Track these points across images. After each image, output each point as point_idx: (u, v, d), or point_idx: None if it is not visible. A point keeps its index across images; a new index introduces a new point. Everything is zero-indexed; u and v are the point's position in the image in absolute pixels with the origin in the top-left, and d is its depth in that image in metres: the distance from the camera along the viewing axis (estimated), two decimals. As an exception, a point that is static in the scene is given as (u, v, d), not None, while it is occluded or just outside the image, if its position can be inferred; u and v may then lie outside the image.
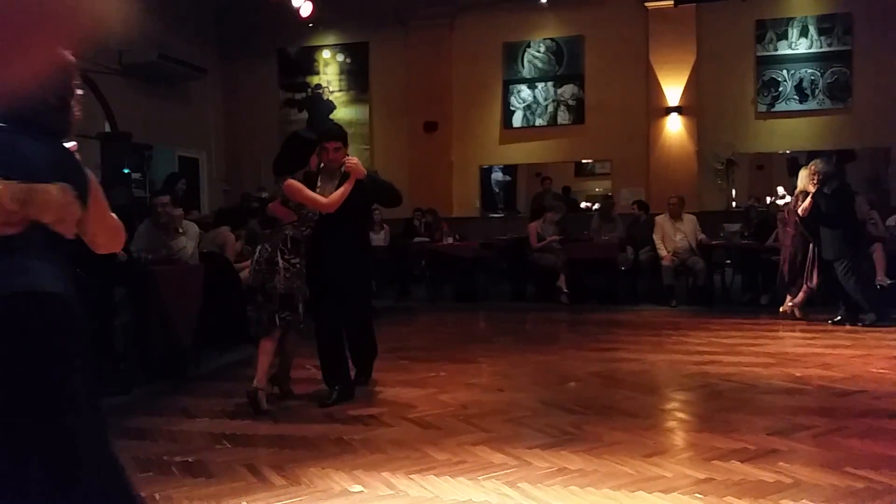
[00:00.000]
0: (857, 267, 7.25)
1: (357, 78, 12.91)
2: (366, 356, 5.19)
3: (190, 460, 3.61)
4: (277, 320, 4.54)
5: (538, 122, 12.10)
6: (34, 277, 1.79)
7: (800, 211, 7.38)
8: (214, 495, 3.14)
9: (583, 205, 13.85)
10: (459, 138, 12.34)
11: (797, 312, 7.71)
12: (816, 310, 7.67)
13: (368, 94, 12.86)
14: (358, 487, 3.21)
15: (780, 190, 10.59)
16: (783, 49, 11.09)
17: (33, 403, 1.72)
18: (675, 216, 9.32)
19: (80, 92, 2.00)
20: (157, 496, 3.13)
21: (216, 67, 12.92)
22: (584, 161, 13.91)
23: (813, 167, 7.35)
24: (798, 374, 5.15)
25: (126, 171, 9.44)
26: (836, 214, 7.20)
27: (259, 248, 4.75)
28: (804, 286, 7.66)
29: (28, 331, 1.74)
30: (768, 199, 10.57)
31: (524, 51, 12.10)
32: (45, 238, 1.80)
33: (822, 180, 7.22)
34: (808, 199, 7.27)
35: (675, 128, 11.36)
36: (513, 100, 12.17)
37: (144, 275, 5.50)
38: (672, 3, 10.94)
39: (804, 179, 7.40)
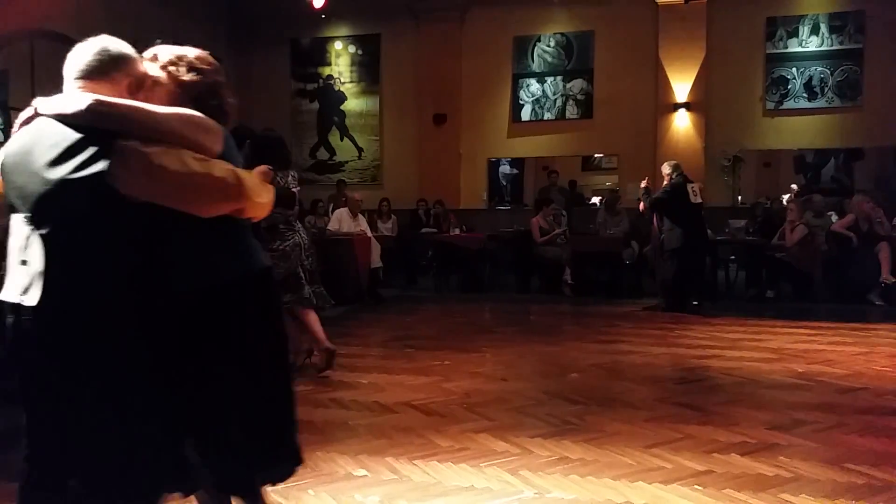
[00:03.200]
0: (681, 260, 7.89)
1: (368, 70, 12.95)
2: None
3: (198, 442, 3.65)
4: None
5: (546, 116, 12.12)
6: (263, 255, 2.18)
7: (640, 208, 8.47)
8: (222, 476, 3.18)
9: (594, 200, 13.87)
10: (468, 131, 12.37)
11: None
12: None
13: (379, 86, 12.91)
14: (362, 471, 3.25)
15: (795, 188, 10.63)
16: (793, 47, 11.07)
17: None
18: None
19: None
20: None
21: (229, 57, 12.91)
22: (591, 155, 13.92)
23: (665, 167, 8.17)
24: (800, 370, 5.18)
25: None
26: (665, 211, 8.03)
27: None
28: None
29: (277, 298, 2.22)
30: (785, 197, 10.53)
31: (534, 45, 12.12)
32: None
33: (671, 181, 8.01)
34: (641, 201, 8.35)
35: (682, 124, 11.36)
36: (522, 93, 12.19)
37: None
38: (682, -1, 10.94)
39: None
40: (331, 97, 13.14)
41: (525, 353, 5.93)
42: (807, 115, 11.10)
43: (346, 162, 13.09)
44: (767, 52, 11.18)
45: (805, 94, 11.05)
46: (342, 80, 13.09)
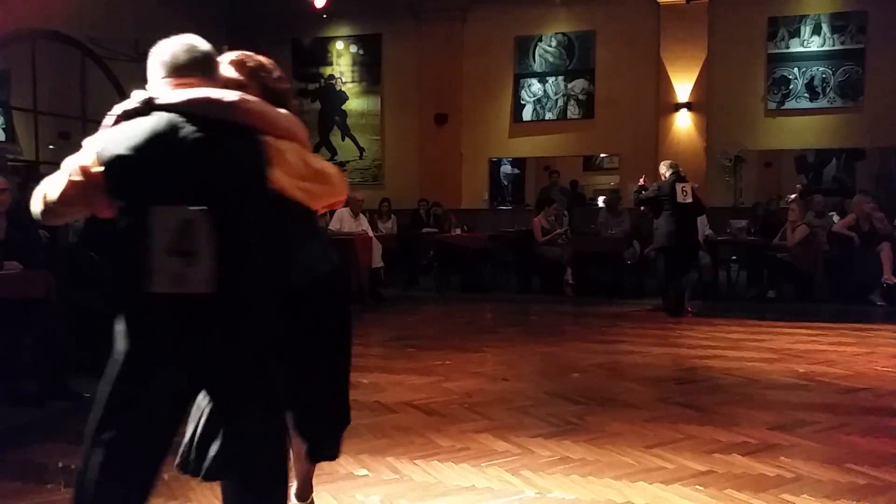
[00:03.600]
0: (659, 258, 8.04)
1: (369, 69, 12.95)
2: None
3: (199, 442, 3.65)
4: None
5: (548, 115, 12.11)
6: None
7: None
8: (222, 476, 3.18)
9: (598, 200, 13.86)
10: (470, 131, 12.37)
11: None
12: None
13: (380, 86, 12.91)
14: (363, 471, 3.26)
15: (800, 187, 10.61)
16: (795, 47, 11.06)
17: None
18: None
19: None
20: (166, 476, 3.17)
21: (230, 56, 12.94)
22: (592, 155, 13.92)
23: (661, 167, 8.20)
24: (801, 371, 5.18)
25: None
26: (652, 209, 8.11)
27: None
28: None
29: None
30: (790, 197, 10.50)
31: (536, 45, 12.11)
32: None
33: (662, 181, 7.99)
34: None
35: (684, 124, 11.35)
36: (523, 93, 12.18)
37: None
38: (684, -1, 10.93)
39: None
40: (332, 97, 13.14)
41: (526, 353, 5.94)
42: (808, 116, 11.08)
43: (348, 162, 13.09)
44: (769, 52, 11.16)
45: (806, 95, 11.03)
46: (343, 79, 13.09)
